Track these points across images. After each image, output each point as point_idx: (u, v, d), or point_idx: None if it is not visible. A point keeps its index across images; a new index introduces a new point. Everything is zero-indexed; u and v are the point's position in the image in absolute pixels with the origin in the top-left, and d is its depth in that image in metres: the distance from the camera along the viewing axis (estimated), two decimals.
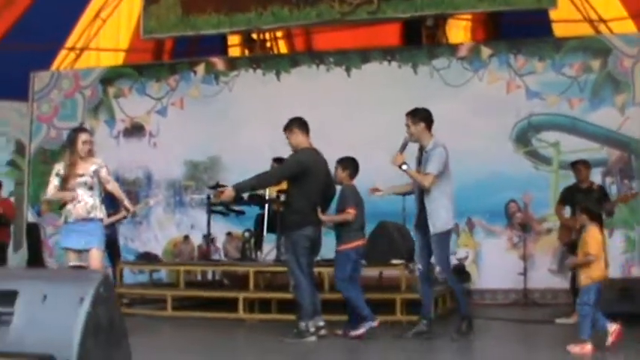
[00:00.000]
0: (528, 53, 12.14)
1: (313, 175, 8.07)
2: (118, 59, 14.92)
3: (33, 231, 13.19)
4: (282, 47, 15.22)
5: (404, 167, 7.87)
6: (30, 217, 13.59)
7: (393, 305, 8.89)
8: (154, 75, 13.60)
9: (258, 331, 8.67)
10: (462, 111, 11.96)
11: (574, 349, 6.80)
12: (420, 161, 8.04)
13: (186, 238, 12.73)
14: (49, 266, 12.51)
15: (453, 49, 12.57)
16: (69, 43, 14.47)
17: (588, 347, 6.77)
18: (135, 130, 13.56)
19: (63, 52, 14.55)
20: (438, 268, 8.08)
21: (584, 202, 7.77)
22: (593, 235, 7.08)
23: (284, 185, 10.66)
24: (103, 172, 7.78)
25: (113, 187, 7.93)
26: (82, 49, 14.49)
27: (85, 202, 7.59)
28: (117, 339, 3.70)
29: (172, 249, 13.00)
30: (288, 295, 8.74)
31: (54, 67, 14.43)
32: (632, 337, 7.05)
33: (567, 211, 9.79)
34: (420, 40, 12.96)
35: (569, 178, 10.63)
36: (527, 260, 11.49)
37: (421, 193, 7.97)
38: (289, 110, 10.81)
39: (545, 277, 11.50)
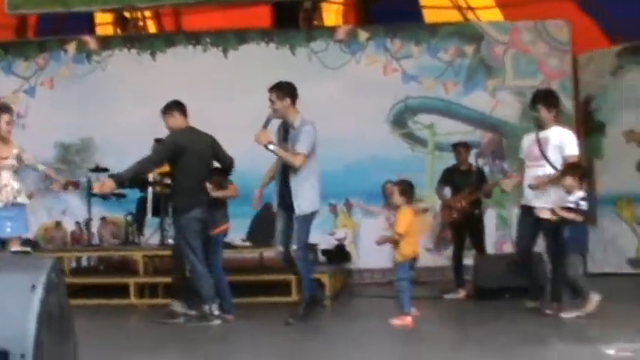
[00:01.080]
0: (405, 37, 12.40)
1: (193, 155, 7.94)
2: None
3: None
4: (151, 27, 14.91)
5: (271, 147, 7.56)
6: None
7: (287, 286, 8.94)
8: (22, 53, 13.07)
9: (150, 316, 8.53)
10: (339, 93, 12.10)
11: (396, 322, 7.25)
12: (286, 139, 7.78)
13: (58, 224, 12.38)
14: None
15: (331, 32, 12.68)
16: None
17: (409, 319, 7.27)
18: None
19: None
20: (295, 245, 7.67)
21: (399, 183, 7.83)
22: (404, 214, 7.50)
23: (166, 167, 10.57)
24: (27, 156, 7.71)
25: (43, 168, 8.07)
26: None
27: (12, 186, 7.41)
28: (67, 327, 3.61)
29: (44, 234, 12.60)
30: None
31: None
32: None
33: (447, 191, 10.11)
34: (296, 22, 12.98)
35: (445, 160, 11.00)
36: None
37: (284, 172, 7.76)
38: (165, 91, 10.69)
39: (421, 255, 11.70)
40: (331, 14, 14.21)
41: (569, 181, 7.20)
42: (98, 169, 11.01)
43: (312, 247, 11.08)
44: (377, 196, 12.27)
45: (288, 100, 7.72)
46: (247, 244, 10.19)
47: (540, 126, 7.79)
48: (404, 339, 6.90)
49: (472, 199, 9.80)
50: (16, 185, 7.44)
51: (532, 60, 12.41)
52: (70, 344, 3.62)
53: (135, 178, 8.54)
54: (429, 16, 13.50)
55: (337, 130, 11.85)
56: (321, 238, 11.72)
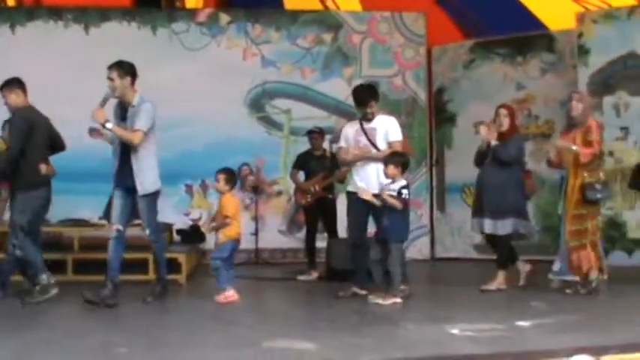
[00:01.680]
0: (265, 23, 12.60)
1: (40, 133, 7.97)
2: None
3: None
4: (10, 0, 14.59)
5: (108, 125, 7.47)
6: None
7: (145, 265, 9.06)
8: None
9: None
10: (199, 75, 12.18)
11: (219, 298, 7.73)
12: (124, 118, 7.68)
13: None
14: None
15: (193, 14, 12.76)
16: None
17: (231, 293, 7.79)
18: None
19: None
20: (147, 230, 7.70)
21: (225, 171, 8.30)
22: (229, 199, 8.02)
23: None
24: None
25: None
26: None
27: None
28: None
29: None
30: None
31: None
32: None
33: (301, 176, 10.43)
34: (158, 3, 13.02)
35: (300, 144, 11.32)
36: (259, 221, 12.00)
37: (124, 151, 7.65)
38: (24, 65, 10.62)
39: (275, 237, 12.12)
40: None
41: (391, 169, 7.53)
42: None
43: (168, 227, 11.26)
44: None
45: (128, 79, 7.64)
46: (104, 222, 10.18)
47: (369, 119, 8.16)
48: (259, 316, 7.15)
49: (325, 183, 10.11)
50: None
51: (388, 50, 12.83)
52: None
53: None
54: (289, 3, 13.74)
55: (195, 112, 12.06)
56: (176, 218, 11.92)
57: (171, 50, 12.33)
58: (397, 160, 7.61)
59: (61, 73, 11.68)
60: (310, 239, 10.26)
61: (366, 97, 8.15)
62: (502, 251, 8.46)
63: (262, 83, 12.56)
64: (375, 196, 7.64)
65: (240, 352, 4.88)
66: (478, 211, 8.46)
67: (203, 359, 4.79)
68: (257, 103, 12.60)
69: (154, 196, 7.66)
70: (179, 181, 12.42)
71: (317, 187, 10.14)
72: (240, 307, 7.61)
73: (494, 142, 8.33)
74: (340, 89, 12.46)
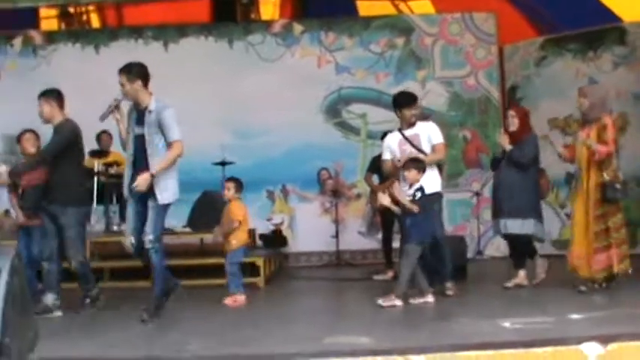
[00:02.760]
0: (338, 30, 12.97)
1: (79, 147, 7.91)
2: None
3: None
4: (95, 21, 15.27)
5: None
6: None
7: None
8: None
9: None
10: (275, 84, 12.60)
11: (228, 301, 7.93)
12: (141, 122, 7.14)
13: (7, 212, 12.64)
14: None
15: (267, 25, 13.19)
16: None
17: (241, 298, 8.00)
18: None
19: None
20: (150, 237, 6.96)
21: (232, 180, 8.50)
22: (237, 205, 8.27)
23: (110, 158, 11.02)
24: None
25: None
26: None
27: None
28: (27, 304, 4.12)
29: None
30: (122, 264, 9.26)
31: None
32: None
33: (375, 179, 10.67)
34: (234, 16, 13.49)
35: (376, 147, 11.53)
36: (339, 224, 12.33)
37: (139, 157, 7.14)
38: (108, 83, 11.09)
39: (355, 239, 12.38)
40: (269, 7, 14.68)
41: (412, 174, 7.61)
42: None
43: (250, 232, 11.67)
44: (312, 183, 12.88)
45: (139, 82, 7.17)
46: (187, 229, 10.64)
47: (403, 125, 8.31)
48: (333, 316, 7.41)
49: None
50: None
51: (460, 51, 13.03)
52: (29, 319, 4.14)
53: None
54: (363, 9, 14.06)
55: (273, 120, 12.48)
56: (258, 223, 12.32)
57: (248, 62, 12.78)
58: (416, 165, 7.68)
59: None
60: (387, 240, 10.48)
61: (400, 106, 8.32)
62: (524, 250, 8.47)
63: (337, 89, 12.92)
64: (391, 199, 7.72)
65: (298, 346, 5.14)
66: (497, 213, 8.47)
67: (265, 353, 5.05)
68: (333, 109, 12.95)
69: (168, 207, 7.14)
70: (261, 188, 12.84)
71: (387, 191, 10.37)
72: (313, 307, 7.89)
73: (508, 147, 8.34)
74: (414, 92, 12.58)
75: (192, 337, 5.74)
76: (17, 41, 13.19)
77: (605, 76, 12.25)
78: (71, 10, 13.76)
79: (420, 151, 8.02)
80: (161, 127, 7.04)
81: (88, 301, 7.79)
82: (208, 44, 12.96)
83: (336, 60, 12.92)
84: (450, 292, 7.89)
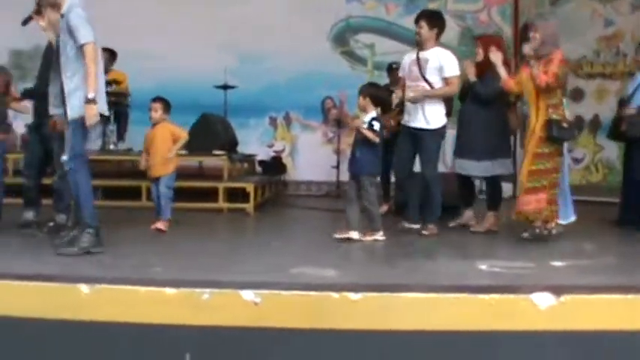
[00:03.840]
0: None
1: None
2: None
3: None
4: None
5: None
6: None
7: (216, 194, 9.36)
8: None
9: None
10: (284, 10, 12.32)
11: (160, 225, 7.50)
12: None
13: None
14: None
15: None
16: None
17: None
18: None
19: None
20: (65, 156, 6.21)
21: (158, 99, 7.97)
22: (173, 128, 7.88)
23: (111, 76, 10.83)
24: None
25: None
26: None
27: None
28: None
29: None
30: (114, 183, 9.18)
31: None
32: None
33: (378, 111, 10.47)
34: None
35: (383, 78, 11.31)
36: (341, 154, 12.16)
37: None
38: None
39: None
40: None
41: (360, 101, 7.32)
42: None
43: (250, 158, 11.57)
44: (316, 111, 12.70)
45: None
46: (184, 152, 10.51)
47: (420, 45, 7.75)
48: (310, 247, 7.21)
49: (400, 118, 10.14)
50: None
51: None
52: None
53: None
54: None
55: (280, 46, 12.22)
56: (259, 149, 12.24)
57: None
58: (365, 90, 7.35)
59: (151, 11, 12.00)
60: (385, 173, 10.31)
61: (418, 16, 7.84)
62: (493, 192, 8.06)
63: (346, 18, 12.67)
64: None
65: (266, 276, 5.01)
66: (458, 152, 8.08)
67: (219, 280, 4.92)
68: (341, 38, 12.71)
69: (82, 122, 6.07)
70: (263, 114, 12.71)
71: (392, 122, 10.18)
72: (293, 237, 7.80)
73: (472, 79, 7.90)
74: None
75: (157, 260, 5.62)
76: None
77: (622, 19, 11.96)
78: None
79: (423, 77, 7.62)
80: (70, 32, 5.98)
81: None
82: None
83: None
84: (425, 232, 7.51)
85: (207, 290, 2.72)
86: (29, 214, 7.48)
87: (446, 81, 7.59)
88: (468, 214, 8.23)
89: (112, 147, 10.52)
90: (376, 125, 7.12)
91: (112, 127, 10.75)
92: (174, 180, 7.84)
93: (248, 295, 2.69)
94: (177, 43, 12.05)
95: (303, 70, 12.34)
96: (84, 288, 2.79)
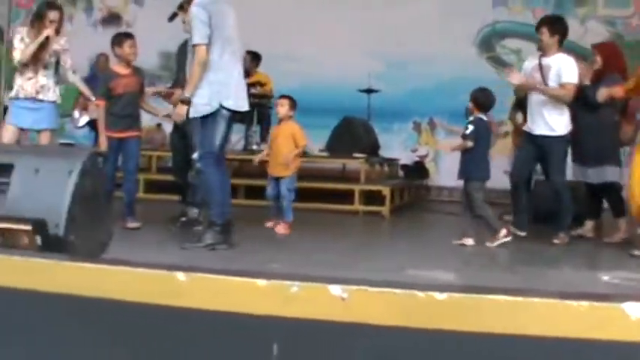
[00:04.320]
0: None
1: None
2: None
3: None
4: None
5: None
6: (6, 100, 13.90)
7: (352, 196, 9.47)
8: None
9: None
10: (430, 15, 12.37)
11: (281, 229, 7.44)
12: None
13: (159, 126, 13.14)
14: None
15: None
16: None
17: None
18: (112, 19, 13.81)
19: None
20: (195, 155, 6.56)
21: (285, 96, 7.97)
22: (298, 129, 7.80)
23: (255, 77, 11.12)
24: (65, 58, 7.31)
25: (74, 79, 7.52)
26: None
27: (37, 80, 7.17)
28: (100, 208, 4.25)
29: (145, 136, 13.37)
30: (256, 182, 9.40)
31: None
32: None
33: (520, 117, 10.33)
34: None
35: None
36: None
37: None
38: (263, 4, 11.34)
39: (500, 177, 12.07)
40: None
41: (470, 105, 7.53)
42: None
43: (393, 162, 11.64)
44: (460, 117, 12.57)
45: None
46: (324, 154, 10.69)
47: (543, 51, 7.70)
48: (434, 250, 7.24)
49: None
50: (42, 80, 7.18)
51: None
52: (102, 221, 4.27)
53: None
54: None
55: (426, 51, 12.27)
56: (402, 154, 12.28)
57: None
58: (473, 93, 7.50)
59: (302, 16, 12.24)
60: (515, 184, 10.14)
61: (539, 23, 7.82)
62: (616, 198, 7.80)
63: (492, 23, 12.58)
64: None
65: (377, 275, 5.06)
66: (573, 157, 7.86)
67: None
68: (487, 43, 12.63)
69: (206, 118, 6.21)
70: (408, 118, 12.75)
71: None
72: (420, 240, 7.80)
73: (586, 82, 7.70)
74: (573, 30, 11.93)
75: (280, 256, 5.77)
76: None
77: None
78: None
79: (545, 84, 7.51)
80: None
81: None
82: None
83: None
84: (556, 241, 7.34)
85: (297, 283, 2.79)
86: (193, 211, 7.73)
87: (562, 86, 7.45)
88: (588, 226, 8.01)
89: (254, 147, 10.79)
90: (470, 129, 7.22)
91: (255, 128, 11.04)
92: (294, 182, 7.82)
93: (335, 289, 2.74)
94: (323, 46, 12.27)
95: (449, 76, 12.31)
96: (180, 276, 2.91)
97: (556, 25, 7.70)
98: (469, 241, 7.07)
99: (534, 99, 7.63)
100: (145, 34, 13.18)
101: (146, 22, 13.40)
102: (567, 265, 6.46)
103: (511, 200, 8.08)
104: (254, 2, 11.13)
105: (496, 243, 6.98)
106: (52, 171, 4.03)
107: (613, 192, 7.84)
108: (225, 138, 6.36)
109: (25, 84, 7.18)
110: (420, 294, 2.71)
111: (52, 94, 7.22)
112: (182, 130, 7.63)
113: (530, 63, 7.89)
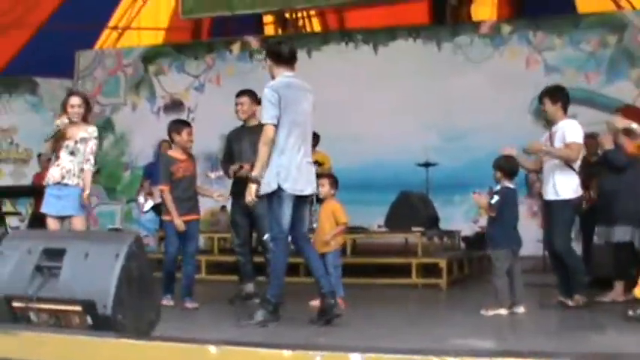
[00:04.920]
0: (547, 29, 12.66)
1: None
2: (159, 38, 15.68)
3: None
4: (316, 25, 15.86)
5: None
6: None
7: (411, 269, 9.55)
8: (192, 53, 14.30)
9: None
10: (482, 85, 12.50)
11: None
12: None
13: (223, 208, 13.40)
14: None
15: (476, 26, 13.11)
16: (112, 22, 15.26)
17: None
18: (174, 105, 14.24)
19: (106, 32, 15.35)
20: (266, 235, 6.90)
21: (328, 176, 8.16)
22: (339, 207, 7.89)
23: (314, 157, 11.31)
24: (90, 144, 7.56)
25: (87, 168, 7.54)
26: (124, 29, 15.26)
27: (63, 166, 7.44)
28: (147, 288, 4.43)
29: (210, 218, 13.69)
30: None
31: (98, 45, 15.24)
32: None
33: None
34: (445, 18, 13.54)
35: None
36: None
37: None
38: (319, 85, 11.53)
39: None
40: (485, 8, 14.60)
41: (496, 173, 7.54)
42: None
43: (452, 234, 11.67)
44: (520, 185, 12.58)
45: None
46: (383, 229, 10.79)
47: (550, 122, 7.96)
48: (482, 320, 7.08)
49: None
50: (68, 166, 7.45)
51: None
52: (150, 301, 4.45)
53: None
54: (582, 6, 13.63)
55: (480, 122, 12.37)
56: (464, 225, 12.30)
57: (456, 63, 12.76)
58: (496, 162, 7.62)
59: (354, 92, 12.50)
60: (586, 247, 10.10)
61: (540, 94, 7.97)
62: (623, 259, 7.85)
63: None
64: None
65: (417, 344, 5.13)
66: (598, 220, 8.13)
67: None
68: (541, 111, 12.61)
69: (271, 198, 6.35)
70: (467, 190, 12.74)
71: (592, 194, 10.01)
72: (469, 311, 7.76)
73: (608, 147, 7.94)
74: (627, 91, 12.14)
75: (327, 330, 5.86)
76: (235, 46, 13.94)
77: None
78: (287, 15, 14.31)
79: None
80: None
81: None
82: (417, 46, 13.06)
83: (544, 60, 12.62)
84: (571, 304, 7.33)
85: (319, 353, 2.92)
86: (249, 287, 8.06)
87: (567, 145, 7.57)
88: (617, 289, 7.92)
89: (314, 226, 10.94)
90: (495, 199, 7.29)
91: (316, 206, 11.20)
92: (338, 257, 7.87)
93: (355, 357, 2.86)
94: (379, 123, 12.47)
95: (505, 145, 12.31)
96: (212, 349, 3.07)
97: (557, 93, 7.90)
98: (520, 309, 7.07)
99: (546, 166, 7.77)
100: (206, 118, 13.77)
101: (207, 107, 13.88)
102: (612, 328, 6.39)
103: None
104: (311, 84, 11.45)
105: (490, 313, 6.97)
106: (100, 255, 4.25)
107: (628, 251, 7.92)
108: (296, 219, 6.39)
109: (53, 170, 7.50)
110: (434, 359, 2.82)
111: (77, 179, 7.45)
112: (244, 208, 7.85)
113: (544, 137, 8.04)
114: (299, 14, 14.75)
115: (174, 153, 7.99)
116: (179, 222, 7.66)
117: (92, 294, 4.11)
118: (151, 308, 4.47)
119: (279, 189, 6.25)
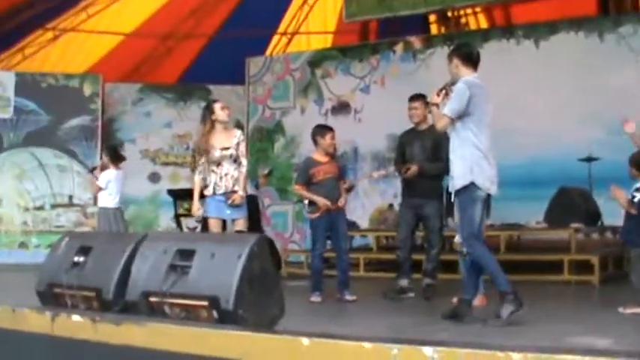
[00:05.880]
0: None
1: None
2: (327, 41, 16.15)
3: (252, 202, 14.58)
4: (482, 21, 15.85)
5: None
6: (249, 189, 15.02)
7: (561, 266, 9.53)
8: (357, 55, 14.64)
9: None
10: None
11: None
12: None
13: (391, 206, 13.69)
14: (266, 233, 13.84)
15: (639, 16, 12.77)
16: (281, 28, 15.87)
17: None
18: (341, 107, 14.62)
19: (276, 37, 15.98)
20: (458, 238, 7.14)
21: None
22: None
23: None
24: (243, 147, 8.04)
25: (242, 171, 8.00)
26: (292, 34, 15.84)
27: (232, 175, 7.90)
28: (269, 287, 4.79)
29: (378, 216, 14.02)
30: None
31: (268, 51, 15.89)
32: None
33: None
34: (609, 8, 13.29)
35: None
36: None
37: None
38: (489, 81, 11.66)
39: None
40: None
41: (632, 170, 7.12)
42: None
43: (616, 230, 11.43)
44: None
45: (456, 61, 6.79)
46: (542, 225, 10.78)
47: None
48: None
49: None
50: (235, 174, 7.94)
51: None
52: (272, 298, 4.81)
53: None
54: None
55: None
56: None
57: (619, 54, 12.43)
58: (632, 158, 7.20)
59: (515, 88, 12.46)
60: None
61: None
62: None
63: None
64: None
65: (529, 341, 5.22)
66: None
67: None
68: None
69: (465, 194, 6.39)
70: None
71: None
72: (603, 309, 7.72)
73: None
74: None
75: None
76: (399, 47, 14.16)
77: None
78: (449, 14, 14.42)
79: None
80: None
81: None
82: (578, 39, 12.82)
83: None
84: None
85: (397, 346, 3.15)
86: (404, 282, 8.47)
87: None
88: None
89: (450, 223, 11.08)
90: (638, 197, 6.99)
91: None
92: None
93: (428, 350, 3.07)
94: (540, 118, 12.37)
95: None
96: (305, 340, 3.38)
97: None
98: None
99: None
100: (371, 119, 14.11)
101: (372, 108, 14.19)
102: None
103: None
104: None
105: (628, 311, 6.83)
106: (225, 255, 4.66)
107: None
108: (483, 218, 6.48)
109: (217, 179, 8.03)
110: (500, 354, 2.98)
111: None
112: (413, 207, 8.47)
113: None
114: (462, 12, 14.81)
115: (317, 156, 8.40)
116: (323, 201, 8.11)
117: (216, 290, 4.52)
118: (273, 304, 4.82)
119: (472, 184, 6.28)
